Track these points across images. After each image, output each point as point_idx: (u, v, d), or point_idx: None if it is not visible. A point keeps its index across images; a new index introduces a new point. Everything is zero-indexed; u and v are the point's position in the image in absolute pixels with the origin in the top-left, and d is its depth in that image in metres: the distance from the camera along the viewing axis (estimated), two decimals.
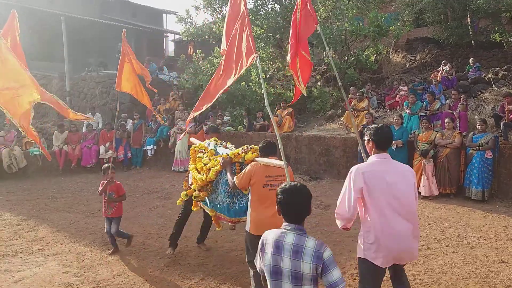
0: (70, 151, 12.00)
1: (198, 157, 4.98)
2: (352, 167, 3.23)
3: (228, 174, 4.30)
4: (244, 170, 4.16)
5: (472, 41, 15.63)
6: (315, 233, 6.35)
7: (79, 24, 18.42)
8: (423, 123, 9.00)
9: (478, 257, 5.25)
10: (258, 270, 2.47)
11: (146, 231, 6.61)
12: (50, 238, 6.37)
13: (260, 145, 4.32)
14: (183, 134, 11.80)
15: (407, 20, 15.93)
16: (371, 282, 3.25)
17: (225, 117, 12.70)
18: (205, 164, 4.76)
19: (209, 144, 5.16)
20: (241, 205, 4.50)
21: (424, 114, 9.83)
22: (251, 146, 4.64)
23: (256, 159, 4.27)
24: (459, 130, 8.88)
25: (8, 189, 9.90)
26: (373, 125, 3.33)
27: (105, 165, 5.79)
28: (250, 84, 13.03)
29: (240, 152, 4.48)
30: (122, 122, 13.00)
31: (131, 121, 13.19)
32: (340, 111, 12.07)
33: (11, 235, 6.53)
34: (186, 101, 14.45)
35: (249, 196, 4.15)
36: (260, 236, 3.66)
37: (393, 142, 8.92)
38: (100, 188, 5.75)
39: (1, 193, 9.54)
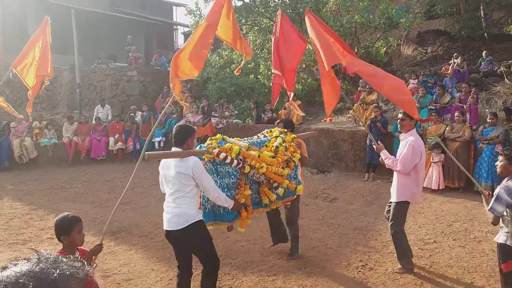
0: (80, 142, 12.12)
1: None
2: None
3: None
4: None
5: (485, 34, 15.38)
6: (321, 225, 6.35)
7: (89, 16, 18.49)
8: (432, 116, 8.92)
9: (485, 251, 5.21)
10: (499, 212, 3.43)
11: (154, 222, 6.64)
12: None
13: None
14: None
15: (419, 12, 15.71)
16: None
17: (232, 110, 12.71)
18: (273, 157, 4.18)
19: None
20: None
21: (433, 108, 9.73)
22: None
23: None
24: (469, 124, 8.78)
25: (19, 179, 10.05)
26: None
27: (66, 217, 2.94)
28: (259, 76, 13.01)
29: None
30: (131, 114, 13.08)
31: (140, 113, 13.27)
32: (349, 104, 11.99)
33: (21, 224, 6.63)
34: (194, 93, 14.48)
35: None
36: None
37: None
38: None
39: (12, 183, 9.68)
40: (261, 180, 4.16)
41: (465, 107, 9.36)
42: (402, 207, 4.57)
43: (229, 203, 3.74)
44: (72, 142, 12.04)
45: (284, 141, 4.45)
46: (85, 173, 10.77)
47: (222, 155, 3.82)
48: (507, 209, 3.46)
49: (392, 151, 9.24)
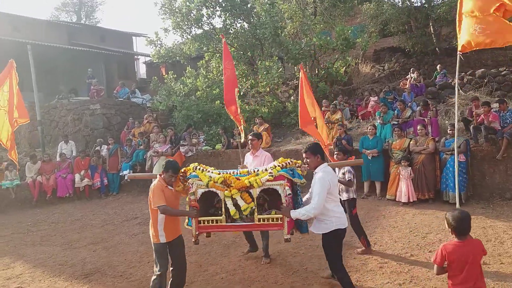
0: (45, 182, 11.68)
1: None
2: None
3: None
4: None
5: (437, 48, 16.18)
6: (299, 248, 6.34)
7: (46, 51, 18.15)
8: (396, 131, 9.19)
9: None
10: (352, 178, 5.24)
11: (128, 260, 6.45)
12: (28, 274, 6.14)
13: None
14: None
15: (373, 31, 16.40)
16: None
17: (200, 136, 12.65)
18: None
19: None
20: None
21: (396, 123, 10.04)
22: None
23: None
24: (432, 136, 9.09)
25: None
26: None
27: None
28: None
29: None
30: (96, 148, 12.78)
31: (106, 146, 12.97)
32: (315, 124, 12.19)
33: None
34: (161, 123, 14.34)
35: None
36: None
37: (369, 151, 9.12)
38: None
39: None
40: None
41: (426, 120, 9.71)
42: None
43: None
44: (36, 182, 11.59)
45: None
46: (52, 214, 10.35)
47: None
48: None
49: (360, 168, 9.46)
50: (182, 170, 4.68)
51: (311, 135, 7.03)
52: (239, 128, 6.47)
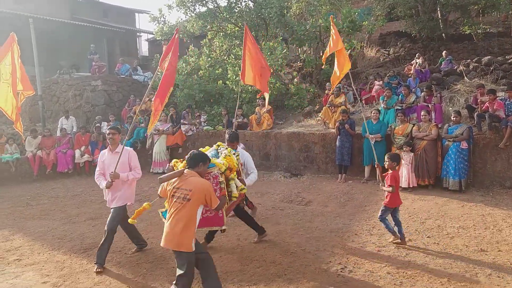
0: (45, 156, 11.68)
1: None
2: None
3: None
4: None
5: (443, 34, 15.95)
6: (297, 229, 6.35)
7: (48, 25, 17.90)
8: (399, 116, 9.12)
9: (459, 247, 5.35)
10: None
11: (126, 236, 6.45)
12: (27, 247, 6.17)
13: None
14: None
15: (380, 14, 16.12)
16: None
17: (202, 117, 12.59)
18: None
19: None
20: None
21: (400, 108, 9.95)
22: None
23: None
24: (435, 122, 9.02)
25: None
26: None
27: None
28: (227, 82, 12.95)
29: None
30: (97, 124, 12.72)
31: (106, 123, 12.92)
32: (318, 107, 12.12)
33: None
34: None
35: None
36: None
37: (372, 136, 9.06)
38: None
39: None
40: None
41: (430, 106, 9.62)
42: None
43: None
44: (36, 156, 11.58)
45: None
46: (52, 188, 10.38)
47: None
48: None
49: (362, 152, 9.43)
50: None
51: (254, 85, 8.07)
52: (149, 126, 6.40)
